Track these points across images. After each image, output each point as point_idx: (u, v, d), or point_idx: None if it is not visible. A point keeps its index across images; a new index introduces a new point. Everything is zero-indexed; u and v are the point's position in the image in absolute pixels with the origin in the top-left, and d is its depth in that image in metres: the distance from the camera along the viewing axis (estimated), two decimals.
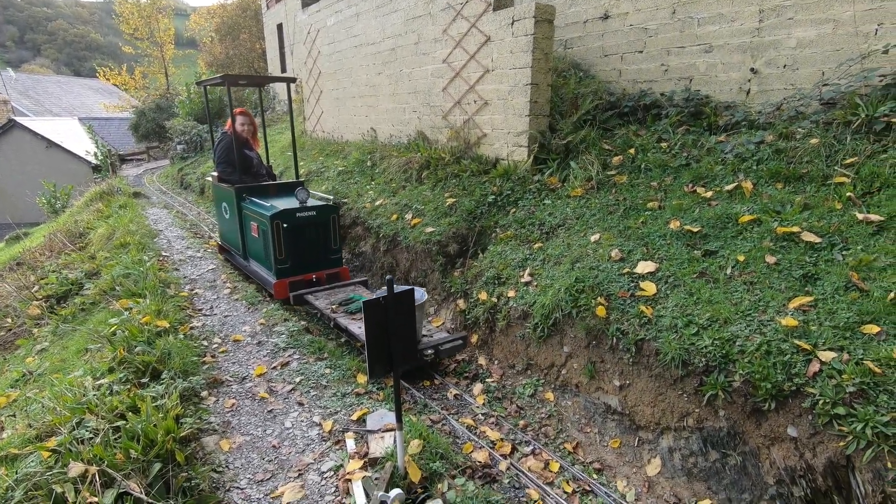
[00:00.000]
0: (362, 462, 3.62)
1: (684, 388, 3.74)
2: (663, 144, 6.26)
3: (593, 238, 5.20)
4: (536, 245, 5.72)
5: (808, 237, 4.07)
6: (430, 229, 6.73)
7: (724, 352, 3.51)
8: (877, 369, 2.94)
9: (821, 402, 3.02)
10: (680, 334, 3.79)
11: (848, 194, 4.34)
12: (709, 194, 5.13)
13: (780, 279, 3.86)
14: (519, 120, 6.93)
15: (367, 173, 9.51)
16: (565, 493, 3.68)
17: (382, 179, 8.89)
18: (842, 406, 2.95)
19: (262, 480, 3.52)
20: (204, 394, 4.47)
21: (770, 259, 4.03)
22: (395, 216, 7.49)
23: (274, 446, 3.86)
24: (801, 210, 4.41)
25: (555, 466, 3.93)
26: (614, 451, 4.09)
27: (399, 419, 3.32)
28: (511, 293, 5.31)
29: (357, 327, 5.33)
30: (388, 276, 3.05)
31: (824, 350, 3.19)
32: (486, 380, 5.19)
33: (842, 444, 2.93)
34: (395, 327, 3.15)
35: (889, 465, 2.78)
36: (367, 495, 3.30)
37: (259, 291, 7.04)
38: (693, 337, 3.72)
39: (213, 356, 5.16)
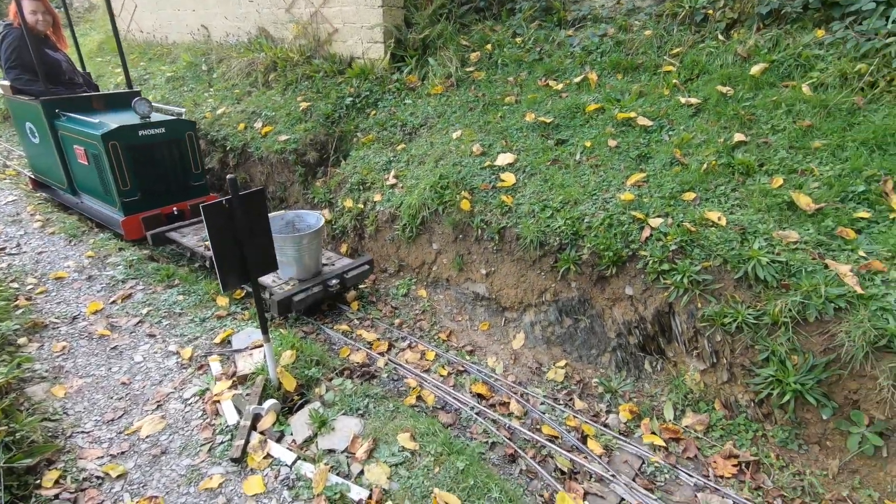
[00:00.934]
0: (231, 382, 3.41)
1: (542, 268, 4.04)
2: (518, 40, 6.25)
3: (455, 135, 5.16)
4: (400, 146, 5.54)
5: (643, 121, 4.45)
6: (284, 137, 6.14)
7: (574, 230, 3.81)
8: (692, 228, 3.41)
9: (650, 261, 3.46)
10: (537, 218, 4.01)
11: (674, 81, 4.78)
12: (560, 87, 5.31)
13: (620, 160, 4.22)
14: (371, 12, 6.37)
15: (203, 79, 8.24)
16: (441, 376, 3.88)
17: (223, 85, 7.78)
18: (666, 263, 3.41)
19: (112, 420, 3.14)
20: (22, 340, 3.76)
21: (612, 143, 4.36)
22: (242, 126, 6.68)
23: (123, 383, 3.44)
24: (637, 97, 4.78)
25: (431, 355, 4.10)
26: (484, 334, 4.37)
27: (265, 331, 3.12)
28: (377, 197, 5.15)
29: None
30: (229, 176, 2.68)
31: (654, 218, 3.60)
32: (359, 286, 5.13)
33: (665, 294, 3.43)
34: (246, 233, 2.84)
35: (699, 305, 3.32)
36: (239, 412, 3.14)
37: (84, 221, 5.96)
38: (548, 220, 3.96)
39: (28, 298, 4.33)
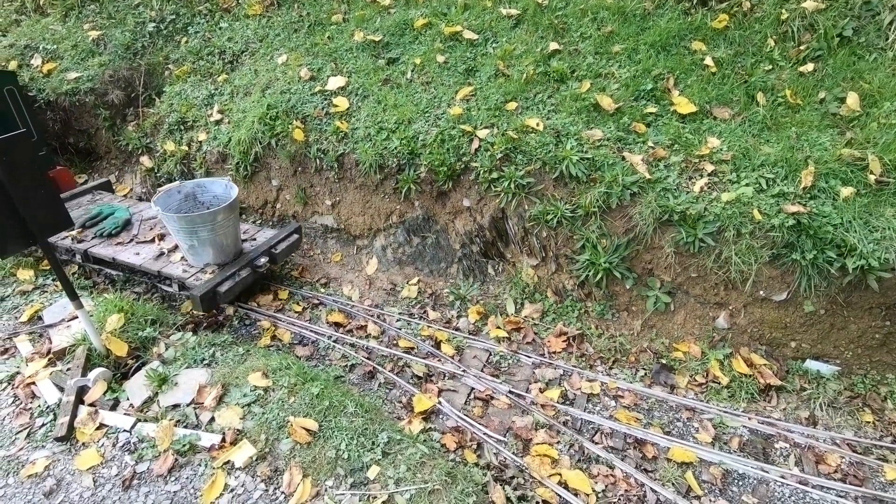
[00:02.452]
0: (47, 359, 3.01)
1: (385, 191, 4.05)
2: None
3: (281, 60, 4.76)
4: (221, 77, 4.98)
5: (469, 35, 4.48)
6: (74, 76, 5.16)
7: (410, 149, 3.83)
8: (515, 136, 3.62)
9: (481, 172, 3.63)
10: (374, 142, 3.95)
11: None
12: (387, 2, 5.09)
13: (450, 75, 4.25)
14: None
15: None
16: (297, 313, 3.83)
17: None
18: (495, 171, 3.61)
19: None
20: None
21: (441, 59, 4.35)
22: (14, 63, 5.45)
23: None
24: (463, 11, 4.77)
25: (284, 294, 3.99)
26: (337, 265, 4.35)
27: (73, 296, 2.76)
28: (202, 136, 4.65)
29: (133, 254, 3.76)
30: None
31: (481, 129, 3.75)
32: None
33: (497, 201, 3.66)
34: (17, 188, 2.40)
35: (526, 207, 3.61)
36: (60, 388, 2.81)
37: None
38: (385, 142, 3.92)
39: None
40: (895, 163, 3.20)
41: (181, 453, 2.47)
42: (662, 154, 3.45)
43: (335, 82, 4.36)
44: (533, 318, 3.70)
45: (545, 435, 2.89)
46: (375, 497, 2.30)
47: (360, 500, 2.29)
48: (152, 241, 3.92)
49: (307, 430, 2.56)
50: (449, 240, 4.03)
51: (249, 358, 3.07)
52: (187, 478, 2.40)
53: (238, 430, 2.57)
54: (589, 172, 3.46)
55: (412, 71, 4.36)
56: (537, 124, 3.67)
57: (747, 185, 3.21)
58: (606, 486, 2.64)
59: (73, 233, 3.99)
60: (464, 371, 3.30)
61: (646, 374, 3.34)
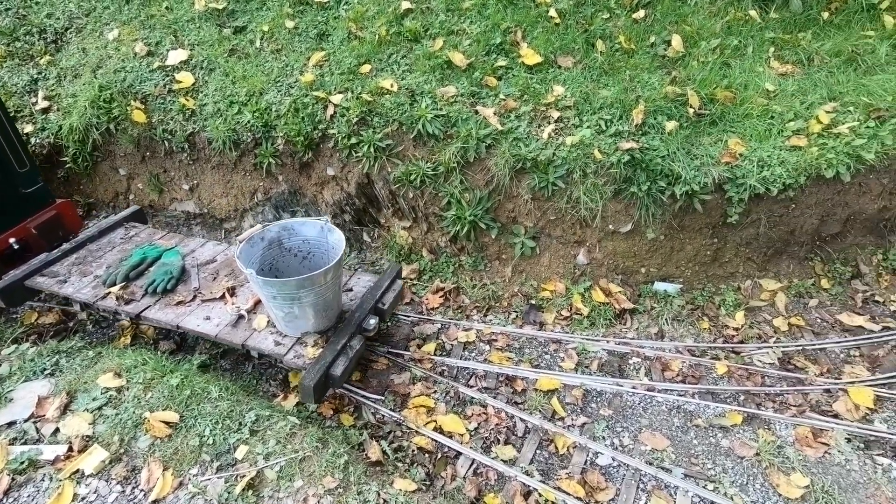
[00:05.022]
0: None
1: (245, 168, 3.86)
2: None
3: (112, 36, 4.30)
4: (44, 60, 4.41)
5: None
6: None
7: (264, 121, 3.66)
8: (370, 99, 3.57)
9: (340, 138, 3.56)
10: (225, 117, 3.73)
11: None
12: None
13: (301, 41, 4.08)
14: None
15: None
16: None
17: None
18: (353, 136, 3.55)
19: None
20: None
21: (290, 24, 4.15)
22: None
23: None
24: None
25: None
26: None
27: None
28: (28, 128, 4.13)
29: (203, 318, 2.93)
30: None
31: (336, 95, 3.65)
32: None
33: (360, 166, 3.62)
34: None
35: (389, 169, 3.61)
36: None
37: None
38: (237, 116, 3.72)
39: None
40: (710, 96, 3.56)
41: (19, 472, 2.26)
42: (513, 105, 3.57)
43: (176, 56, 4.03)
44: (411, 279, 3.76)
45: (422, 387, 2.98)
46: (243, 476, 2.26)
47: (225, 482, 2.23)
48: (221, 297, 3.04)
49: (167, 423, 2.44)
50: (319, 211, 3.94)
51: (102, 360, 2.84)
52: (29, 496, 2.21)
53: (87, 436, 2.39)
54: (445, 129, 3.51)
55: (261, 39, 4.13)
56: (392, 85, 3.64)
57: (588, 127, 3.42)
58: (479, 424, 2.79)
59: (116, 289, 3.06)
60: None
61: (517, 316, 3.53)
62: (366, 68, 3.81)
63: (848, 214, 3.61)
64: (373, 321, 2.86)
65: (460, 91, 3.65)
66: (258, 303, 2.97)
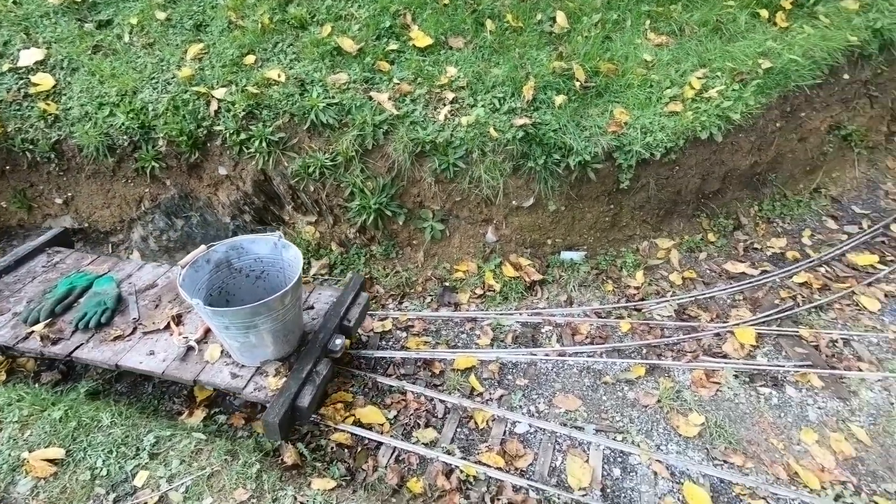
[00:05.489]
0: None
1: (125, 175, 3.56)
2: None
3: None
4: None
5: None
6: None
7: (140, 122, 3.38)
8: (257, 91, 3.39)
9: (228, 134, 3.36)
10: (94, 120, 3.40)
11: None
12: None
13: (176, 34, 3.79)
14: None
15: None
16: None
17: None
18: (242, 132, 3.36)
19: None
20: None
21: (161, 15, 3.84)
22: None
23: None
24: None
25: None
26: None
27: None
28: None
29: (146, 353, 2.57)
30: None
31: (218, 89, 3.43)
32: None
33: (254, 162, 3.45)
34: None
35: (286, 164, 3.46)
36: None
37: None
38: (109, 118, 3.40)
39: None
40: (595, 69, 3.71)
41: None
42: (407, 89, 3.53)
43: (30, 56, 3.61)
44: (322, 275, 3.65)
45: (339, 383, 2.91)
46: (145, 503, 2.11)
47: None
48: (166, 327, 2.71)
49: (50, 461, 2.22)
50: (217, 214, 3.72)
51: None
52: None
53: None
54: (340, 118, 3.41)
55: (129, 33, 3.79)
56: (279, 76, 3.48)
57: (482, 106, 3.45)
58: (399, 412, 2.78)
59: (40, 328, 2.64)
60: None
61: (432, 299, 3.54)
62: (250, 59, 3.61)
63: (725, 172, 3.93)
64: (339, 341, 2.63)
65: (352, 77, 3.55)
66: (209, 330, 2.69)
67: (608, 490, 2.44)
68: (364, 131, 3.36)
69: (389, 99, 3.46)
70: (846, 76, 4.21)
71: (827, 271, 3.74)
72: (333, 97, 3.43)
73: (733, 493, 2.42)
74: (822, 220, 4.26)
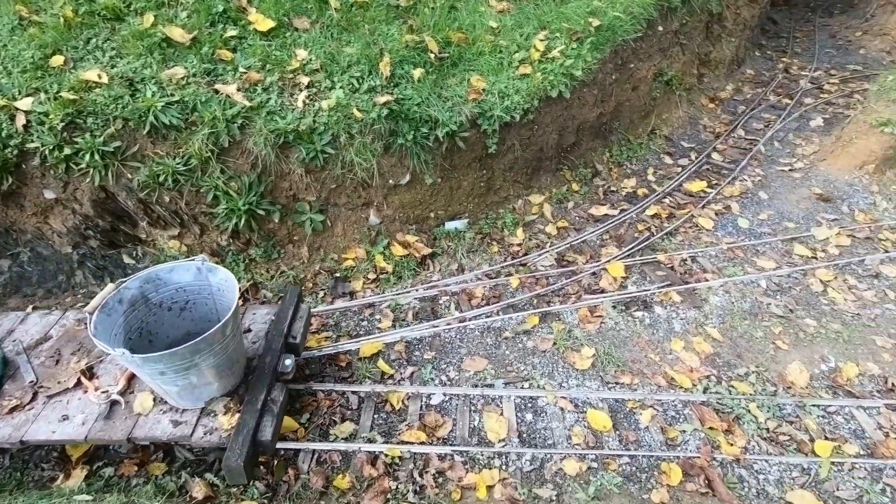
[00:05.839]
0: None
1: None
2: None
3: None
4: None
5: None
6: None
7: None
8: (75, 97, 2.92)
9: (47, 151, 2.87)
10: None
11: None
12: None
13: None
14: None
15: None
16: None
17: None
18: (66, 146, 2.89)
19: None
20: None
21: None
22: None
23: None
24: None
25: None
26: None
27: None
28: None
29: (58, 419, 2.20)
30: None
31: (22, 99, 2.90)
32: None
33: (89, 179, 3.00)
34: None
35: (130, 175, 3.06)
36: None
37: None
38: None
39: None
40: (446, 39, 3.76)
41: None
42: (257, 77, 3.29)
43: None
44: None
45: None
46: None
47: None
48: (77, 384, 2.32)
49: None
50: (53, 245, 3.20)
51: None
52: None
53: None
54: (185, 117, 3.08)
55: None
56: (99, 76, 3.02)
57: (341, 88, 3.34)
58: (311, 413, 2.68)
59: None
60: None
61: (325, 293, 3.43)
62: (58, 60, 3.09)
63: (577, 125, 4.28)
64: (289, 362, 2.47)
65: (191, 71, 3.22)
66: (132, 378, 2.37)
67: (524, 435, 2.61)
68: (216, 128, 3.08)
69: (239, 90, 3.20)
70: (660, 28, 4.77)
71: (671, 201, 4.28)
72: (172, 95, 3.07)
73: (627, 409, 2.73)
74: (660, 158, 4.85)
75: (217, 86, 3.20)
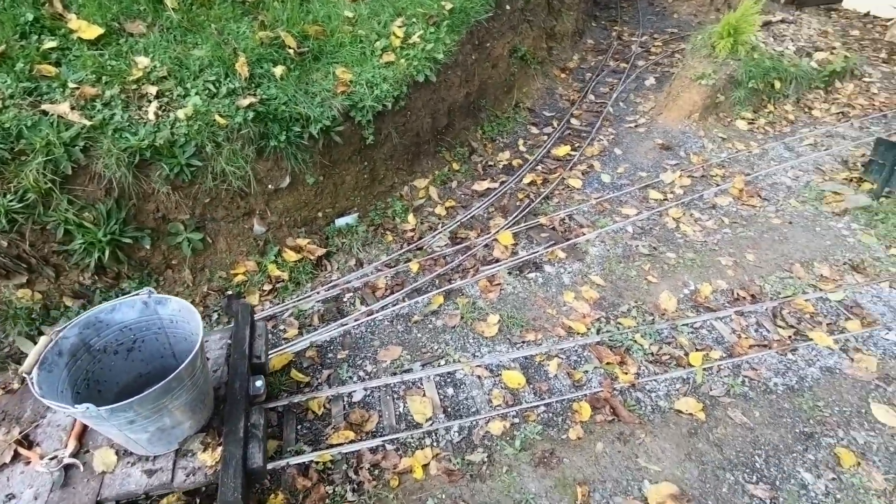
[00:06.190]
0: None
1: None
2: None
3: None
4: None
5: None
6: None
7: None
8: None
9: None
10: None
11: None
12: None
13: None
14: None
15: None
16: None
17: None
18: None
19: None
20: None
21: None
22: None
23: None
24: None
25: None
26: None
27: None
28: None
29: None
30: None
31: None
32: None
33: None
34: None
35: None
36: None
37: None
38: None
39: None
40: (303, 33, 3.65)
41: None
42: (93, 92, 2.93)
43: None
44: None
45: None
46: None
47: None
48: (14, 457, 2.03)
49: None
50: None
51: None
52: None
53: None
54: (9, 146, 2.66)
55: None
56: None
57: (196, 94, 3.10)
58: None
59: None
60: None
61: (219, 314, 3.22)
62: None
63: (447, 107, 4.42)
64: (259, 383, 2.37)
65: (6, 92, 2.77)
66: (82, 434, 2.12)
67: (449, 409, 2.72)
68: (53, 154, 2.70)
69: (73, 108, 2.83)
70: (508, 6, 5.06)
71: (543, 168, 4.62)
72: None
73: (536, 363, 2.96)
74: (527, 129, 5.19)
75: (44, 106, 2.80)
